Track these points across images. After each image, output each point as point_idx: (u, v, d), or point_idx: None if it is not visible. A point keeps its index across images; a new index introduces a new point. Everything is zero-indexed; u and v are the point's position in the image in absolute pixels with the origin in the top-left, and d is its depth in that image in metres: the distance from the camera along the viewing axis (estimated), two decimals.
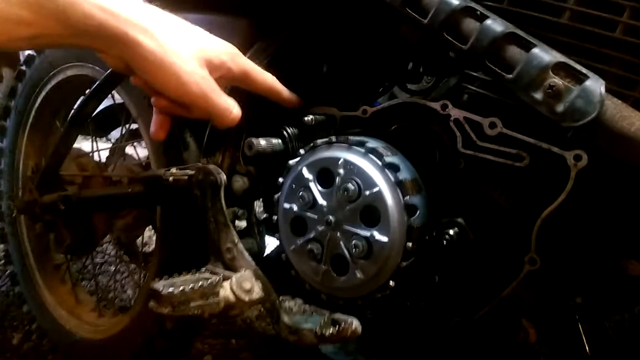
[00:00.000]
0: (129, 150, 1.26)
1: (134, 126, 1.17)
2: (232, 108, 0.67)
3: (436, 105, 0.65)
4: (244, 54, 0.75)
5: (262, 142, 0.74)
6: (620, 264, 0.66)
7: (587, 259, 0.65)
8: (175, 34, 0.62)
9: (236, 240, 0.76)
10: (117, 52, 0.61)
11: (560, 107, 0.53)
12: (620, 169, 0.57)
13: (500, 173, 0.63)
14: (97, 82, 0.95)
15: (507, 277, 0.62)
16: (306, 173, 0.69)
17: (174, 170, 0.81)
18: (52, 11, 0.54)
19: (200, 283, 0.64)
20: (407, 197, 0.63)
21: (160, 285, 0.62)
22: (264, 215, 0.83)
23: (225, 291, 0.67)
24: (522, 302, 0.65)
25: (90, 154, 1.21)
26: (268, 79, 0.72)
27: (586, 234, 0.64)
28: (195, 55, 0.63)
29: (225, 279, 0.69)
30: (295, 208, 0.70)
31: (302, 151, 0.72)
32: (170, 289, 0.61)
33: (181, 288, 0.62)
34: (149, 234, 1.53)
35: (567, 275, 0.66)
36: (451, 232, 0.64)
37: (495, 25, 0.56)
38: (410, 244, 0.63)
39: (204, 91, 0.63)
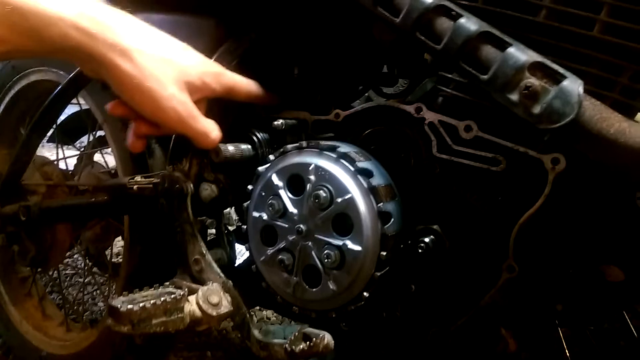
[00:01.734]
0: (97, 157, 1.21)
1: (101, 133, 1.13)
2: (211, 131, 0.66)
3: (410, 109, 0.63)
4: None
5: (230, 148, 0.71)
6: (600, 270, 0.64)
7: (567, 265, 0.63)
8: (155, 55, 0.60)
9: (204, 252, 0.73)
10: (94, 70, 0.59)
11: (537, 109, 0.51)
12: (599, 172, 0.55)
13: (476, 178, 0.60)
14: (60, 87, 0.90)
15: (485, 285, 0.60)
16: (276, 180, 0.66)
17: (138, 178, 0.77)
18: (26, 29, 0.52)
19: (162, 298, 0.60)
20: (381, 204, 0.60)
21: (119, 301, 0.58)
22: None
23: (191, 306, 0.64)
24: (501, 311, 0.63)
25: (56, 162, 1.16)
26: (252, 90, 0.71)
27: (565, 240, 0.62)
28: (175, 78, 0.61)
29: (191, 292, 0.65)
30: (265, 217, 0.67)
31: (271, 157, 0.68)
32: (130, 306, 0.57)
33: (142, 304, 0.58)
34: (121, 243, 1.48)
35: (547, 282, 0.64)
36: (427, 239, 0.61)
37: (469, 24, 0.54)
38: (384, 253, 0.60)
39: (181, 116, 0.62)
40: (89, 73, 0.61)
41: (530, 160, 0.55)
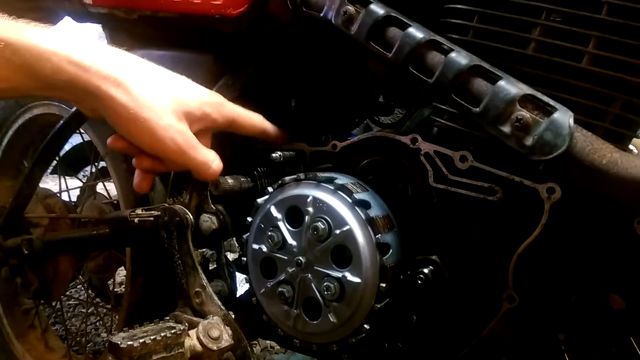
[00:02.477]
0: (100, 188, 1.22)
1: (104, 164, 1.14)
2: (212, 162, 0.64)
3: (405, 139, 0.63)
4: (210, 89, 0.74)
5: (230, 180, 0.72)
6: (602, 299, 0.64)
7: (567, 294, 0.63)
8: (151, 86, 0.59)
9: (205, 284, 0.73)
10: (90, 105, 0.58)
11: (529, 141, 0.52)
12: (596, 201, 0.55)
13: (474, 207, 0.61)
14: (62, 121, 0.92)
15: (487, 316, 0.60)
16: (275, 212, 0.67)
17: (139, 211, 0.78)
18: (19, 65, 0.52)
19: (163, 334, 0.60)
20: (379, 236, 0.61)
21: (119, 338, 0.58)
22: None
23: (192, 340, 0.63)
24: (503, 341, 0.63)
25: (59, 194, 1.17)
26: (256, 122, 0.69)
27: (565, 268, 0.61)
28: (172, 109, 0.60)
29: (191, 326, 0.65)
30: (264, 249, 0.67)
31: (270, 189, 0.69)
32: (130, 342, 0.57)
33: (142, 340, 0.58)
34: (125, 272, 1.48)
35: (548, 311, 0.63)
36: (426, 270, 0.61)
37: (460, 58, 0.55)
38: (383, 285, 0.60)
39: (180, 147, 0.60)
40: (85, 111, 0.61)
41: (526, 190, 0.56)
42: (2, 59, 0.51)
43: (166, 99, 0.60)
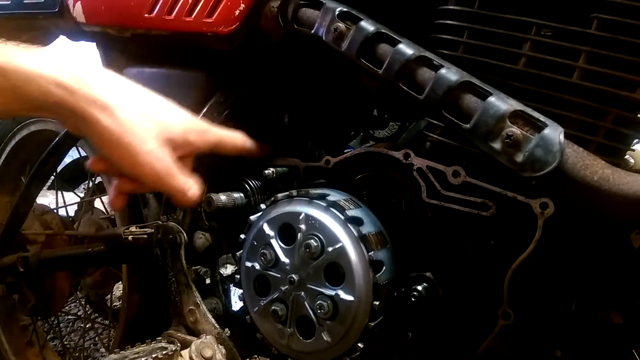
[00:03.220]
0: (97, 203, 1.22)
1: (100, 179, 1.14)
2: (189, 189, 0.63)
3: (398, 155, 0.63)
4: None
5: (222, 197, 0.71)
6: (600, 313, 0.63)
7: (564, 309, 0.62)
8: (136, 111, 0.60)
9: (198, 302, 0.73)
10: (75, 126, 0.59)
11: (519, 157, 0.51)
12: (590, 214, 0.55)
13: (467, 223, 0.60)
14: (57, 139, 0.92)
15: (482, 333, 0.59)
16: (267, 229, 0.66)
17: (133, 228, 0.78)
18: (7, 88, 0.53)
19: (154, 355, 0.59)
20: (372, 253, 0.60)
21: None
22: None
23: None
24: (499, 358, 0.62)
25: (55, 210, 1.17)
26: (238, 142, 0.69)
27: (560, 283, 0.61)
28: (155, 134, 0.60)
29: (184, 346, 0.65)
30: (257, 266, 0.67)
31: (263, 206, 0.69)
32: None
33: None
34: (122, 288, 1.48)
35: (544, 327, 0.62)
36: (419, 287, 0.61)
37: (450, 74, 0.55)
38: (377, 303, 0.60)
39: (157, 172, 0.60)
40: (71, 130, 0.61)
41: (520, 205, 0.55)
42: None
43: (150, 125, 0.60)
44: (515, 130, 0.51)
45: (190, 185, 0.63)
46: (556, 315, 0.62)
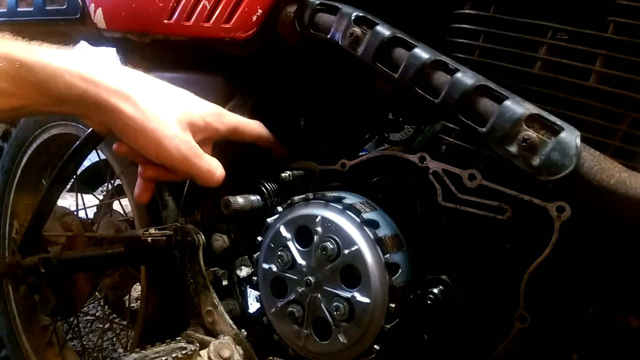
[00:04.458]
0: (116, 206, 1.24)
1: (119, 182, 1.16)
2: (215, 170, 0.66)
3: (414, 158, 0.63)
4: None
5: (240, 199, 0.72)
6: (617, 317, 0.63)
7: (581, 313, 0.62)
8: (157, 99, 0.62)
9: (216, 303, 0.74)
10: (99, 118, 0.61)
11: (536, 161, 0.51)
12: (608, 219, 0.54)
13: (483, 226, 0.60)
14: (77, 142, 0.94)
15: (499, 336, 0.59)
16: (284, 231, 0.67)
17: (152, 230, 0.79)
18: (33, 83, 0.55)
19: (174, 354, 0.61)
20: (388, 255, 0.61)
21: (131, 359, 0.59)
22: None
23: None
24: None
25: (76, 212, 1.19)
26: (255, 129, 0.72)
27: (577, 287, 0.61)
28: (177, 119, 0.63)
29: (202, 346, 0.66)
30: (274, 268, 0.68)
31: (279, 208, 0.70)
32: None
33: None
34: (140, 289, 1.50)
35: (561, 330, 0.62)
36: (435, 290, 0.61)
37: (466, 78, 0.55)
38: (393, 305, 0.60)
39: (184, 155, 0.63)
40: (94, 125, 0.63)
41: (536, 208, 0.55)
42: (18, 78, 0.54)
43: (171, 111, 0.63)
44: (531, 133, 0.51)
45: (217, 166, 0.65)
46: (573, 318, 0.62)
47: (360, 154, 0.71)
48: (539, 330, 0.60)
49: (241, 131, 0.70)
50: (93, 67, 0.59)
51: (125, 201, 1.18)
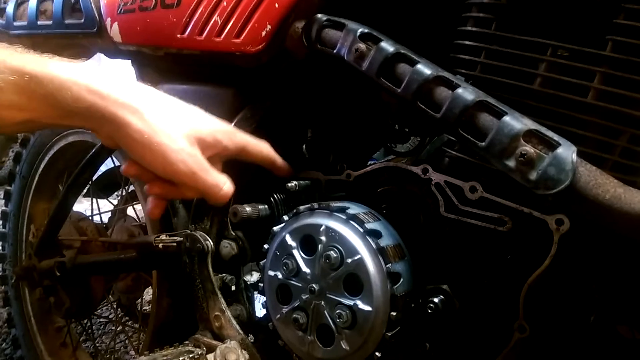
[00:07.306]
0: (130, 211, 1.27)
1: (133, 188, 1.19)
2: (223, 185, 0.66)
3: (417, 170, 0.65)
4: (230, 121, 0.77)
5: (248, 208, 0.74)
6: (617, 329, 0.64)
7: (580, 324, 0.63)
8: (165, 113, 0.62)
9: (224, 308, 0.76)
10: (107, 131, 0.62)
11: (533, 175, 0.53)
12: (606, 233, 0.55)
13: (484, 237, 0.61)
14: (93, 150, 0.97)
15: (498, 346, 0.60)
16: (289, 240, 0.69)
17: (163, 237, 0.82)
18: (42, 95, 0.56)
19: (182, 357, 0.63)
20: (389, 265, 0.62)
21: None
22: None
23: None
24: None
25: (90, 217, 1.23)
26: (264, 150, 0.72)
27: (577, 298, 0.62)
28: (185, 134, 0.63)
29: (210, 350, 0.68)
30: (280, 275, 0.70)
31: (285, 217, 0.71)
32: None
33: None
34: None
35: (561, 341, 0.63)
36: (436, 300, 0.62)
37: (467, 93, 0.57)
38: (394, 313, 0.61)
39: (191, 169, 0.62)
40: (103, 138, 0.64)
41: (536, 221, 0.56)
42: (28, 90, 0.55)
43: (179, 125, 0.63)
44: (529, 148, 0.53)
45: (224, 181, 0.65)
46: (573, 329, 0.63)
47: (369, 163, 0.73)
48: (538, 341, 0.60)
49: (249, 151, 0.70)
50: (101, 80, 0.59)
51: (138, 207, 1.21)
